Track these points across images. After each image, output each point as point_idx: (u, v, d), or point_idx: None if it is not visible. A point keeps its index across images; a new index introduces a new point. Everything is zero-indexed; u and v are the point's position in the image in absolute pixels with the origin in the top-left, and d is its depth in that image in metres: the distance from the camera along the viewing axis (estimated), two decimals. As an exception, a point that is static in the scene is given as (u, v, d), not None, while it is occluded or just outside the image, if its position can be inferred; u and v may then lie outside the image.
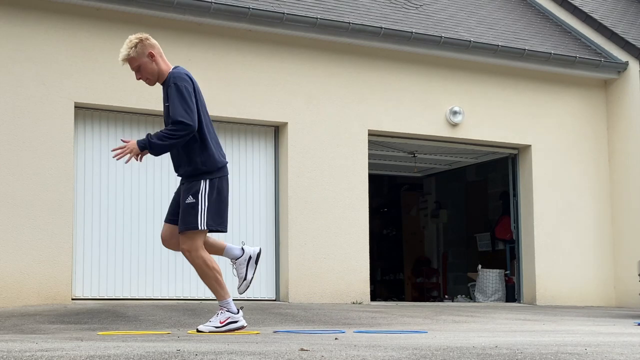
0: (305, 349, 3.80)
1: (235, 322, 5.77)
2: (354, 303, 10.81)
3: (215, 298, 6.01)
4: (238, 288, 6.07)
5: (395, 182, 17.47)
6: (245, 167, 10.90)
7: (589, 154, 12.97)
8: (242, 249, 6.06)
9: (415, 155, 13.75)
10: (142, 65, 5.83)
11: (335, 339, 4.92)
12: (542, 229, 12.46)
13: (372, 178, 11.98)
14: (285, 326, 6.92)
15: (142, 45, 5.80)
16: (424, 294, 16.16)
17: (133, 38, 5.84)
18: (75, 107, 9.83)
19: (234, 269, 6.07)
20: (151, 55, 5.82)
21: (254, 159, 10.96)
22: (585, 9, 14.06)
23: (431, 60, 11.92)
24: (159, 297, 10.14)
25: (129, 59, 5.83)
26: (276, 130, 11.09)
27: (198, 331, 5.72)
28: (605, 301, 12.75)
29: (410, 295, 16.31)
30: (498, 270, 13.40)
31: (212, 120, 10.99)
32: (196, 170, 5.78)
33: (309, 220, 10.83)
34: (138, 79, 5.95)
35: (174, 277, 10.31)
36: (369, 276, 11.20)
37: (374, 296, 12.34)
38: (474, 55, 11.99)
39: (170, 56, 10.26)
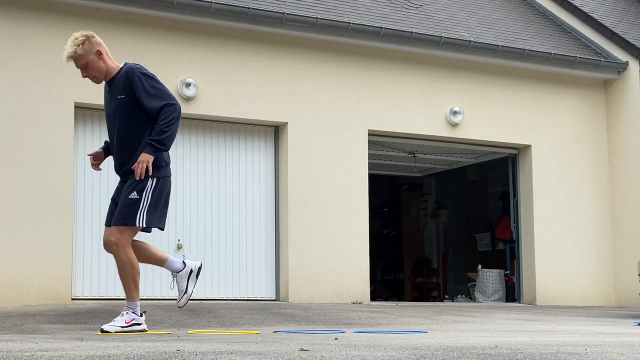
0: (305, 349, 3.80)
1: (139, 324, 5.81)
2: (354, 303, 10.81)
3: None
4: (178, 302, 6.08)
5: (395, 182, 17.47)
6: (245, 167, 10.90)
7: (589, 154, 12.97)
8: (184, 262, 6.08)
9: (415, 155, 13.75)
10: (89, 63, 5.81)
11: (335, 339, 4.92)
12: (542, 229, 12.46)
13: (372, 178, 11.98)
14: (285, 326, 6.92)
15: (89, 42, 5.79)
16: (424, 294, 16.16)
17: (79, 35, 5.80)
18: (75, 107, 9.83)
19: (174, 282, 6.07)
20: (99, 53, 5.82)
21: (254, 159, 10.97)
22: (585, 9, 14.05)
23: (431, 60, 11.92)
24: (159, 297, 10.14)
25: (76, 57, 5.79)
26: (276, 130, 11.09)
27: (103, 331, 5.66)
28: (605, 301, 12.75)
29: (410, 295, 16.31)
30: (498, 270, 13.40)
31: (212, 120, 11.04)
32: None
33: (309, 220, 10.83)
34: (84, 76, 5.92)
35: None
36: (369, 276, 11.20)
37: (374, 296, 12.34)
38: (474, 55, 11.99)
39: (171, 56, 10.33)
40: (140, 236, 5.98)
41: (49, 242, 9.43)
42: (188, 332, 6.00)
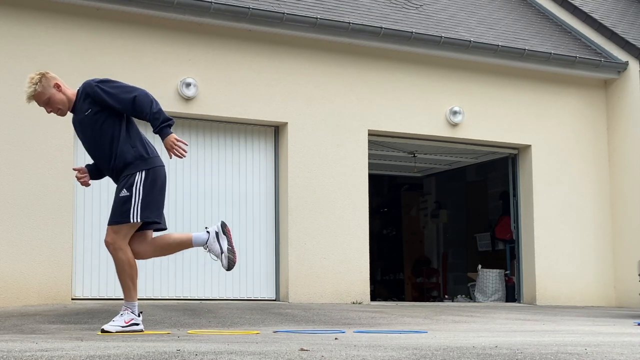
0: (305, 349, 3.80)
1: (137, 324, 5.86)
2: (354, 303, 10.81)
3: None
4: (224, 266, 6.11)
5: (395, 182, 17.46)
6: (245, 167, 10.90)
7: (589, 154, 12.97)
8: (207, 231, 6.15)
9: (415, 155, 13.75)
10: (51, 98, 5.93)
11: (335, 339, 4.92)
12: (542, 229, 12.46)
13: (372, 178, 11.97)
14: (285, 326, 6.92)
15: (45, 79, 5.93)
16: (424, 294, 16.16)
17: (33, 75, 5.95)
18: (75, 107, 9.82)
19: (210, 254, 6.14)
20: (57, 86, 5.95)
21: (254, 159, 10.96)
22: (585, 9, 14.05)
23: (431, 60, 11.92)
24: (159, 297, 10.14)
25: (37, 95, 5.92)
26: (276, 130, 11.09)
27: (103, 331, 5.70)
28: (605, 301, 12.75)
29: (410, 295, 16.30)
30: (498, 270, 13.40)
31: (212, 120, 11.03)
32: (129, 161, 5.82)
33: (309, 220, 10.83)
34: (49, 112, 6.05)
35: (174, 277, 10.31)
36: (369, 276, 11.20)
37: (374, 296, 12.34)
38: (474, 55, 12.00)
39: (171, 56, 10.33)
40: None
41: (49, 242, 9.43)
42: (188, 332, 6.01)
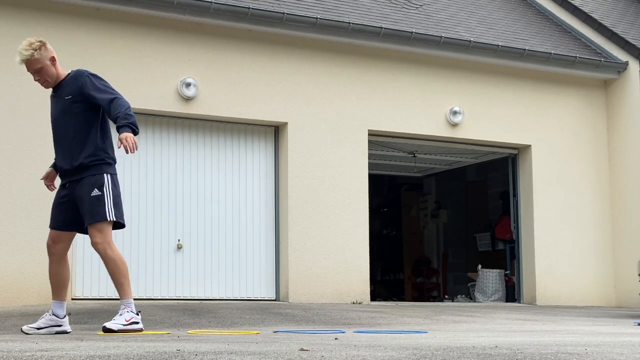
0: (305, 349, 3.80)
1: (137, 322, 5.90)
2: (354, 303, 10.81)
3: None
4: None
5: (395, 182, 17.46)
6: (245, 167, 10.90)
7: (589, 154, 12.97)
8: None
9: (415, 155, 13.75)
10: (43, 68, 6.00)
11: (335, 339, 4.91)
12: (542, 229, 12.46)
13: (372, 178, 11.97)
14: (285, 326, 6.92)
15: (45, 48, 6.01)
16: (424, 294, 16.16)
17: (34, 41, 6.03)
18: (75, 107, 9.81)
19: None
20: (53, 60, 6.02)
21: (254, 159, 10.96)
22: (585, 9, 14.05)
23: (431, 60, 11.92)
24: (159, 297, 10.14)
25: (32, 60, 5.99)
26: (276, 130, 11.09)
27: (106, 330, 5.72)
28: (605, 301, 12.75)
29: (410, 295, 16.30)
30: (498, 270, 13.40)
31: (212, 120, 11.03)
32: (97, 159, 5.86)
33: (309, 220, 10.82)
34: (36, 80, 6.09)
35: (174, 277, 10.31)
36: (369, 276, 11.20)
37: (374, 296, 12.35)
38: (474, 55, 11.99)
39: (171, 56, 10.33)
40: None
41: (49, 242, 9.40)
42: (188, 332, 6.00)
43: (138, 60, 10.16)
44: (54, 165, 6.31)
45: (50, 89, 6.16)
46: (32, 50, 5.97)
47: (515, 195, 12.85)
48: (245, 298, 10.63)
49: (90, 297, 9.78)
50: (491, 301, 13.03)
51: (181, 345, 4.08)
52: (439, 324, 7.59)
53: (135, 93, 10.00)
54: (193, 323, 7.07)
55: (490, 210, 15.70)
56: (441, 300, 14.78)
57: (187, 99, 10.30)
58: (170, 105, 10.24)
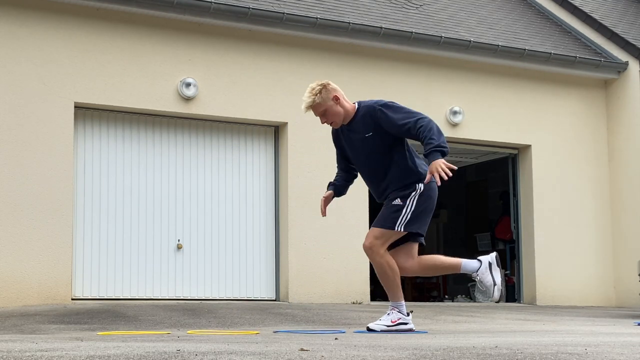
0: (305, 349, 3.79)
1: (406, 323, 5.89)
2: (354, 303, 10.81)
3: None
4: (492, 296, 6.09)
5: (395, 182, 17.43)
6: (245, 167, 10.90)
7: (589, 154, 12.97)
8: (479, 260, 6.16)
9: (415, 155, 13.73)
10: (327, 110, 6.00)
11: (335, 339, 4.91)
12: (542, 229, 12.45)
13: (372, 178, 11.95)
14: (285, 326, 6.91)
15: (325, 90, 5.99)
16: (424, 294, 16.15)
17: (315, 85, 6.03)
18: (75, 107, 9.83)
19: (478, 282, 6.13)
20: (336, 99, 6.00)
21: (254, 159, 10.96)
22: (585, 9, 14.05)
23: (431, 60, 11.92)
24: (159, 297, 10.14)
25: (315, 106, 6.00)
26: (276, 130, 11.09)
27: (369, 329, 5.80)
28: (605, 301, 12.75)
29: (410, 295, 16.27)
30: (498, 270, 13.38)
31: (212, 120, 11.01)
32: (410, 176, 5.86)
33: (309, 220, 10.82)
34: (323, 122, 6.13)
35: (174, 277, 10.31)
36: (369, 276, 11.19)
37: (374, 296, 12.33)
38: (474, 55, 11.99)
39: (171, 56, 10.33)
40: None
41: (49, 242, 9.43)
42: (188, 332, 6.00)
43: (138, 60, 10.16)
44: (334, 189, 6.34)
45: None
46: (313, 97, 5.99)
47: (515, 195, 12.84)
48: (245, 298, 10.63)
49: (90, 297, 9.78)
50: (491, 301, 13.02)
51: (181, 345, 4.08)
52: (439, 324, 7.59)
53: (135, 93, 10.01)
54: (193, 323, 7.07)
55: (490, 210, 15.69)
56: (441, 300, 14.77)
57: (187, 99, 10.30)
58: (170, 105, 10.24)
